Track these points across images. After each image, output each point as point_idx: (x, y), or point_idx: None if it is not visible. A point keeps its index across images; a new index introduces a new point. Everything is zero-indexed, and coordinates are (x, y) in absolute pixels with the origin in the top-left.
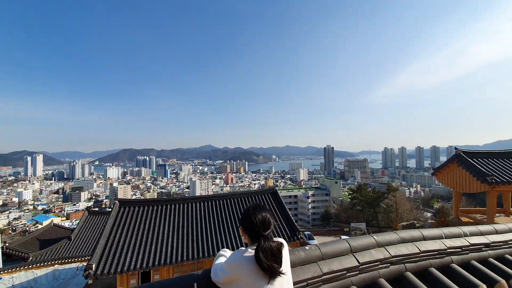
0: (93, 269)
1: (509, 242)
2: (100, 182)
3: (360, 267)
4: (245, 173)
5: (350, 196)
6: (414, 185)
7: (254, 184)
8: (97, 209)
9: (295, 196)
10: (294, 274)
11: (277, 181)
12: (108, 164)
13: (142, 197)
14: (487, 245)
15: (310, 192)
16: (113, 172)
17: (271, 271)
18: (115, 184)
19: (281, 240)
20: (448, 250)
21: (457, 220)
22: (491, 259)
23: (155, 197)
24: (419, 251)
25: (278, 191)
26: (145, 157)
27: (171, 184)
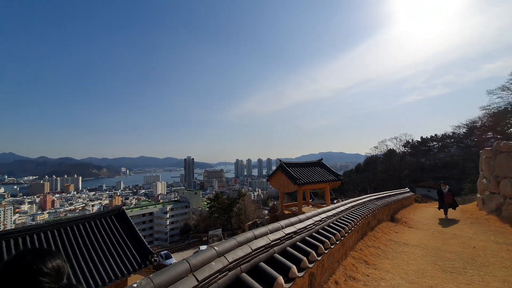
0: None
1: (307, 227)
2: None
3: (200, 285)
4: (78, 193)
5: (208, 205)
6: (257, 189)
7: (93, 205)
8: None
9: (151, 214)
10: None
11: (127, 199)
12: None
13: None
14: (295, 233)
15: (169, 207)
16: None
17: None
18: None
19: None
20: (272, 243)
21: (282, 213)
22: (298, 243)
23: None
24: (251, 250)
25: (128, 210)
26: None
27: None
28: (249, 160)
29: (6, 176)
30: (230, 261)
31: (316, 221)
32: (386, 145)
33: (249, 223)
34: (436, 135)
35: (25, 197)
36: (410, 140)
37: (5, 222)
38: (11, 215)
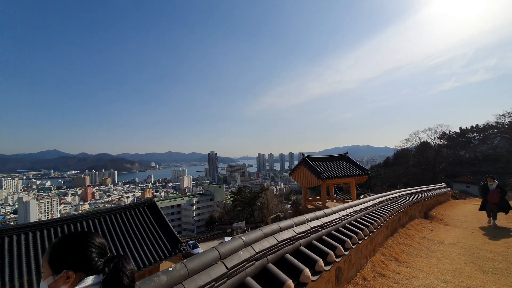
0: None
1: (333, 221)
2: None
3: (229, 272)
4: (114, 185)
5: (232, 199)
6: (279, 184)
7: (127, 197)
8: None
9: (179, 205)
10: None
11: (157, 191)
12: None
13: None
14: (321, 226)
15: (195, 199)
16: None
17: None
18: None
19: None
20: (297, 236)
21: (305, 208)
22: (324, 237)
23: None
24: (277, 242)
25: (159, 202)
26: None
27: None
28: (271, 155)
29: (51, 171)
30: (257, 251)
31: (342, 216)
32: (419, 137)
33: (272, 216)
34: (477, 125)
35: (68, 189)
36: (447, 132)
37: (52, 212)
38: (57, 206)
